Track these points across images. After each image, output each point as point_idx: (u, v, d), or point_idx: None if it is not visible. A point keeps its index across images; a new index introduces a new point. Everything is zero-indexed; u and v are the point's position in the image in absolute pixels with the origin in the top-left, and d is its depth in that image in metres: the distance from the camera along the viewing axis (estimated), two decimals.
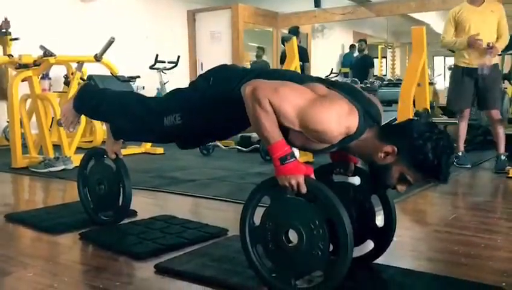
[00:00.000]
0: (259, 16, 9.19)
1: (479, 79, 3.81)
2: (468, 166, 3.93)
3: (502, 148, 3.85)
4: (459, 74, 3.93)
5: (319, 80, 1.60)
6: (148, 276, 1.68)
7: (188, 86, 1.85)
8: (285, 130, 1.44)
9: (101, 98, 2.14)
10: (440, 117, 5.89)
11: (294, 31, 7.13)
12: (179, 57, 6.42)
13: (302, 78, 1.61)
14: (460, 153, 4.01)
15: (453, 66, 4.05)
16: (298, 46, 4.68)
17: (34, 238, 2.16)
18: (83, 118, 3.40)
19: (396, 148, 1.42)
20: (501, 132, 3.87)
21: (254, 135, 5.14)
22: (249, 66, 8.58)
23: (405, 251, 1.97)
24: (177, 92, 1.88)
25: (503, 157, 3.79)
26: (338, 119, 1.38)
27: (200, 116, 1.71)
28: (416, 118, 1.51)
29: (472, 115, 5.70)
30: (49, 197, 3.32)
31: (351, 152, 1.56)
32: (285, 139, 1.44)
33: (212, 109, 1.68)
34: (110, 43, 4.40)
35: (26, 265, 1.78)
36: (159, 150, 5.04)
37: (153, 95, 5.47)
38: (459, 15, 3.85)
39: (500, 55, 6.18)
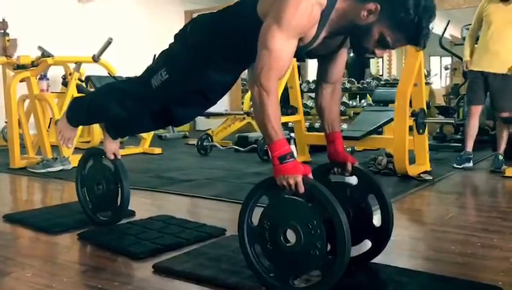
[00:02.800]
0: None
1: (489, 79, 3.81)
2: (470, 165, 3.90)
3: (501, 148, 3.85)
4: (472, 71, 3.96)
5: None
6: (146, 276, 1.69)
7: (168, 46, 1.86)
8: None
9: (90, 97, 2.16)
10: (436, 117, 5.90)
11: None
12: None
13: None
14: (462, 152, 3.96)
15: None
16: None
17: (33, 239, 2.17)
18: None
19: (379, 6, 1.42)
20: (505, 134, 3.85)
21: (251, 135, 5.16)
22: None
23: (402, 250, 1.98)
24: (157, 55, 1.89)
25: (500, 157, 3.79)
26: None
27: (184, 64, 1.73)
28: None
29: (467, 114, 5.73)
30: (47, 197, 3.32)
31: (336, 28, 1.52)
32: None
33: (194, 54, 1.70)
34: (108, 43, 4.40)
35: (25, 265, 1.79)
36: (157, 150, 5.05)
37: None
38: (485, 10, 3.80)
39: None
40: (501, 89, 3.80)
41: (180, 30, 1.82)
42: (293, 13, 1.40)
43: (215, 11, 1.77)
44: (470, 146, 3.95)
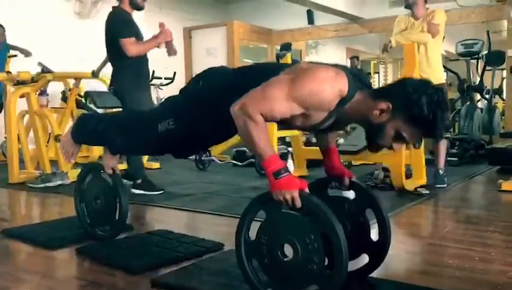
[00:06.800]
0: (254, 33, 9.28)
1: None
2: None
3: (440, 162, 3.71)
4: None
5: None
6: None
7: (179, 92, 1.89)
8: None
9: (98, 120, 2.21)
10: None
11: (287, 47, 7.21)
12: (175, 73, 6.47)
13: (281, 66, 1.62)
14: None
15: None
16: (292, 60, 4.73)
17: (31, 254, 2.17)
18: None
19: (390, 105, 1.43)
20: (440, 147, 3.74)
21: None
22: None
23: (399, 264, 1.99)
24: (169, 99, 1.94)
25: (441, 172, 3.69)
26: (328, 82, 1.42)
27: (192, 118, 1.75)
28: (409, 77, 1.52)
29: (464, 129, 5.78)
30: (46, 212, 3.32)
31: (347, 118, 1.55)
32: (286, 124, 1.49)
33: (203, 109, 1.72)
34: (107, 59, 4.43)
35: (23, 281, 1.79)
36: (155, 164, 5.05)
37: None
38: None
39: (489, 70, 6.26)
40: None
41: (192, 82, 1.84)
42: (309, 91, 1.42)
43: (228, 68, 1.80)
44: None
